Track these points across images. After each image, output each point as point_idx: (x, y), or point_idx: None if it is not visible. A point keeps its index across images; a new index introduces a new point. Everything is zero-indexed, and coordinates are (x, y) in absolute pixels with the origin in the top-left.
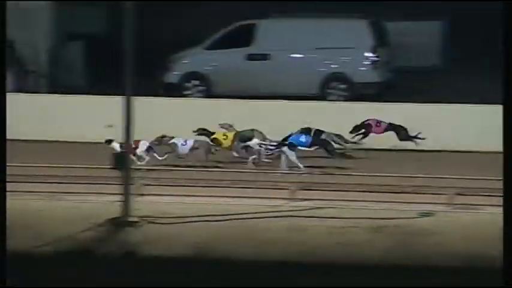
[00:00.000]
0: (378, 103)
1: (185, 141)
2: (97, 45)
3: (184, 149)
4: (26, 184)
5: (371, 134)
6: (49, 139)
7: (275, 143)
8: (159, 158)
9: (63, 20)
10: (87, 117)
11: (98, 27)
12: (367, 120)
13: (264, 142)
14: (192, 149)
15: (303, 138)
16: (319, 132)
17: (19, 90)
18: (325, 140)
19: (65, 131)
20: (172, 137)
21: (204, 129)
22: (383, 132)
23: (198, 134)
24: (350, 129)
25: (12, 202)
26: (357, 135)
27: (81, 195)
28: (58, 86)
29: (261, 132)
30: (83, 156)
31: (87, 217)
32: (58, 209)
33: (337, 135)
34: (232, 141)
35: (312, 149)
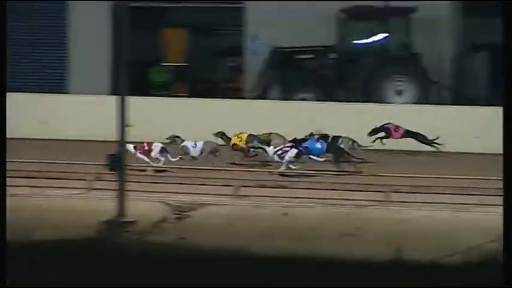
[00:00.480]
0: None
1: (195, 144)
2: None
3: (195, 151)
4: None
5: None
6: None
7: (289, 146)
8: (172, 160)
9: (468, 29)
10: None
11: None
12: (386, 124)
13: (279, 147)
14: (202, 150)
15: (318, 145)
16: (336, 138)
17: (424, 101)
18: (340, 148)
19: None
20: (183, 140)
21: (223, 134)
22: (401, 138)
23: (218, 137)
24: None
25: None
26: (377, 138)
27: (480, 207)
28: (460, 97)
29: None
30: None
31: (488, 229)
32: (461, 220)
33: (352, 140)
34: (246, 143)
35: (323, 158)
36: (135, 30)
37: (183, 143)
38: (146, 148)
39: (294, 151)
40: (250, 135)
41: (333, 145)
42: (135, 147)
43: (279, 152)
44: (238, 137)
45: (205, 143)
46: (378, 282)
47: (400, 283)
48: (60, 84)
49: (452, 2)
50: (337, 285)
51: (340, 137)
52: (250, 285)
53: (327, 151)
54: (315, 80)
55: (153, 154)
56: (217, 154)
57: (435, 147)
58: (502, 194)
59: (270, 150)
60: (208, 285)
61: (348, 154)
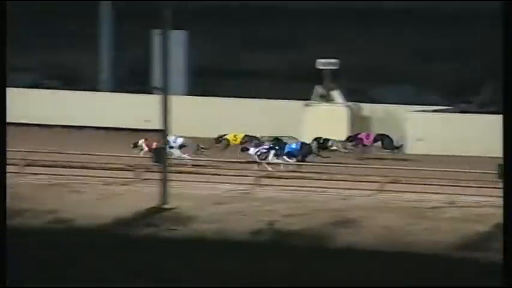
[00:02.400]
0: None
1: (175, 139)
2: None
3: (175, 145)
4: None
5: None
6: None
7: (267, 147)
8: (175, 154)
9: None
10: None
11: None
12: (359, 134)
13: (259, 148)
14: (181, 146)
15: (293, 145)
16: (326, 140)
17: None
18: (311, 147)
19: None
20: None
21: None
22: (373, 143)
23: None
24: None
25: None
26: (352, 145)
27: None
28: None
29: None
30: None
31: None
32: None
33: (341, 142)
34: (241, 142)
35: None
36: None
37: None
38: (153, 145)
39: (273, 151)
40: (246, 135)
41: (308, 146)
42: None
43: (259, 153)
44: (234, 136)
45: (186, 139)
46: None
47: None
48: None
49: None
50: None
51: (329, 139)
52: None
53: (301, 152)
54: None
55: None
56: (201, 149)
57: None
58: None
59: (252, 150)
60: None
61: (318, 154)
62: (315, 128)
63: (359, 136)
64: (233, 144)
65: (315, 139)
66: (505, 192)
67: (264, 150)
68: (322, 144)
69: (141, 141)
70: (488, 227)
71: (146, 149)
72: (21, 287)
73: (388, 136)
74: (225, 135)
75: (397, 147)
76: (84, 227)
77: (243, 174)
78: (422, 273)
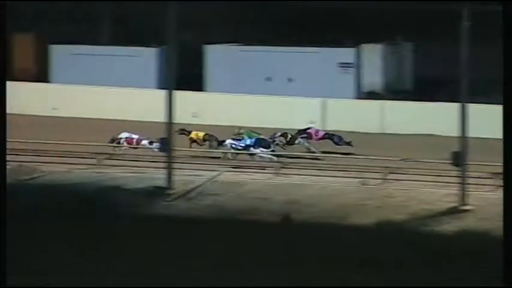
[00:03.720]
0: None
1: (143, 137)
2: None
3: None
4: None
5: (312, 140)
6: None
7: (243, 144)
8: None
9: None
10: None
11: None
12: (309, 128)
13: (234, 142)
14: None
15: (247, 141)
16: (292, 136)
17: None
18: (266, 142)
19: None
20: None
21: (183, 130)
22: (321, 139)
23: (179, 134)
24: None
25: None
26: (301, 137)
27: None
28: None
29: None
30: None
31: None
32: None
33: (306, 138)
34: (203, 139)
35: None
36: None
37: (143, 142)
38: (134, 141)
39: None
40: (206, 134)
41: (264, 141)
42: (126, 139)
43: (233, 145)
44: (196, 134)
45: (160, 138)
46: None
47: None
48: None
49: None
50: None
51: (295, 136)
52: None
53: (257, 145)
54: None
55: (141, 144)
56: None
57: (350, 146)
58: None
59: (226, 143)
60: None
61: (273, 150)
62: None
63: (309, 131)
64: (194, 140)
65: (282, 135)
66: (505, 192)
67: (240, 147)
68: (289, 140)
69: (122, 135)
70: None
71: (126, 145)
72: (21, 287)
73: (336, 135)
74: (188, 131)
75: (348, 143)
76: None
77: None
78: None
